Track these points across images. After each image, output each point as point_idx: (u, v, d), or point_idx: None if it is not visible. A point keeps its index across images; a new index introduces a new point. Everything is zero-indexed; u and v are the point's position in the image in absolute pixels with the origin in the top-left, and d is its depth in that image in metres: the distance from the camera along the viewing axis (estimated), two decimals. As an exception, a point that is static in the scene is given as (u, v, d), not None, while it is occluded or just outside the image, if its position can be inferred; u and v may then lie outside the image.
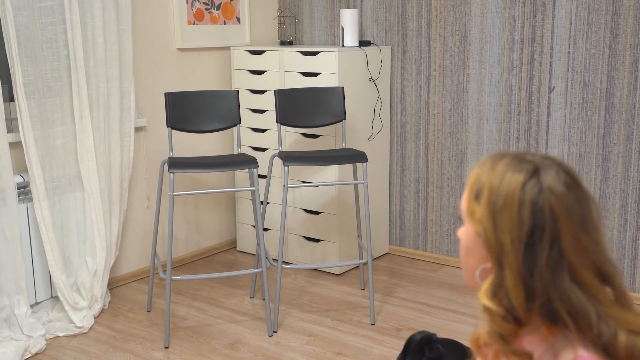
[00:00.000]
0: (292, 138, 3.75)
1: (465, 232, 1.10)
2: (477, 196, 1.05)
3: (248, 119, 3.90)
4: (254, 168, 3.02)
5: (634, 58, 3.15)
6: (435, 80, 3.74)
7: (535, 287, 1.00)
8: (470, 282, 1.12)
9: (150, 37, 3.61)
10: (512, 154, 1.07)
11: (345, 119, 3.42)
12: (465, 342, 2.95)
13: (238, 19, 4.04)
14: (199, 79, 3.90)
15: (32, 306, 3.11)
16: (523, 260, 1.00)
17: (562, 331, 1.02)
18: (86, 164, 3.16)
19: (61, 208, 3.14)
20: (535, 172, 1.02)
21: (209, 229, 4.09)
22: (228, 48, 4.02)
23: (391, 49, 3.86)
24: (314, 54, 3.59)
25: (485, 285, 1.04)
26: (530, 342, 1.06)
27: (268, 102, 3.80)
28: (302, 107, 3.38)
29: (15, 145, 3.01)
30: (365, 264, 3.62)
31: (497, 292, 1.03)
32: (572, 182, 1.03)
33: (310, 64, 3.61)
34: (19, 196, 3.03)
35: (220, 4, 3.92)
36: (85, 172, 3.16)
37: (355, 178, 3.41)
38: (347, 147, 3.50)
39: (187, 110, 3.22)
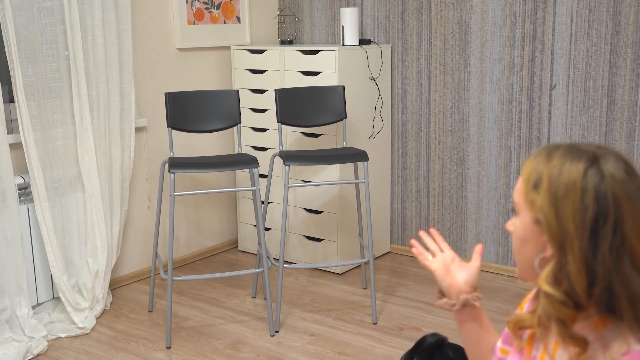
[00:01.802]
0: (293, 137, 3.74)
1: (520, 224, 1.11)
2: (535, 186, 1.07)
3: (248, 118, 3.89)
4: (254, 168, 3.02)
5: (635, 55, 3.14)
6: (436, 79, 3.73)
7: (597, 272, 1.02)
8: (525, 273, 1.14)
9: (150, 37, 3.60)
10: (566, 144, 1.09)
11: (345, 117, 3.41)
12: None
13: (238, 19, 4.03)
14: (199, 78, 3.89)
15: (33, 307, 3.10)
16: (587, 246, 1.02)
17: (614, 322, 1.04)
18: (87, 164, 3.16)
19: (62, 209, 3.14)
20: (594, 160, 1.04)
21: (210, 229, 4.08)
22: (228, 47, 4.01)
23: (392, 47, 3.85)
24: (314, 52, 3.58)
25: (546, 271, 1.06)
26: (581, 329, 1.08)
27: (268, 101, 3.79)
28: (302, 106, 3.38)
29: (16, 147, 3.00)
30: (366, 263, 3.61)
31: (558, 277, 1.04)
32: (630, 169, 1.05)
33: (310, 63, 3.60)
34: (19, 197, 3.02)
35: (220, 3, 3.91)
36: (86, 172, 3.16)
37: (356, 177, 3.40)
38: (348, 146, 3.49)
39: (187, 110, 3.22)
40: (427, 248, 1.47)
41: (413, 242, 1.44)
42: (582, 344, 1.04)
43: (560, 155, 1.06)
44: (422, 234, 1.46)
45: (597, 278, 1.02)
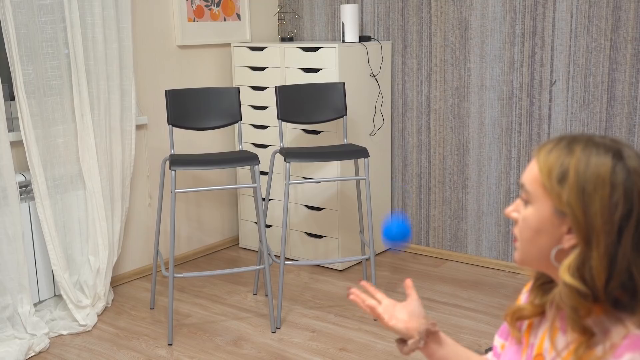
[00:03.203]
0: (294, 134, 3.74)
1: (535, 214, 1.10)
2: (561, 180, 1.06)
3: (249, 115, 3.89)
4: (255, 165, 3.02)
5: (635, 50, 3.14)
6: (437, 75, 3.73)
7: (619, 267, 1.03)
8: (534, 261, 1.14)
9: (150, 35, 3.60)
10: (583, 136, 1.09)
11: (346, 114, 3.41)
12: (468, 338, 2.96)
13: (238, 16, 4.03)
14: (200, 76, 3.89)
15: (35, 305, 3.11)
16: (612, 242, 1.03)
17: (615, 313, 1.05)
18: (87, 162, 3.16)
19: (63, 207, 3.14)
20: (620, 156, 1.05)
21: (211, 226, 4.09)
22: (228, 45, 4.02)
23: (392, 44, 3.85)
24: (315, 49, 3.58)
25: (567, 262, 1.06)
26: None
27: (269, 98, 3.79)
28: (303, 103, 3.38)
29: (17, 144, 3.01)
30: (367, 259, 3.62)
31: (581, 270, 1.05)
32: None
33: (310, 60, 3.60)
34: (20, 195, 3.03)
35: (220, 0, 3.91)
36: (87, 170, 3.16)
37: (357, 174, 3.40)
38: (348, 142, 3.50)
39: (188, 108, 3.22)
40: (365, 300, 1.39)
41: (353, 290, 1.40)
42: (589, 334, 1.06)
43: (584, 149, 1.06)
44: (355, 292, 1.40)
45: (616, 273, 1.03)
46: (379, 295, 1.39)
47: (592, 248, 1.04)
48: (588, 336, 1.05)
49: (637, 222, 1.03)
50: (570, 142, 1.08)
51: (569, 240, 1.07)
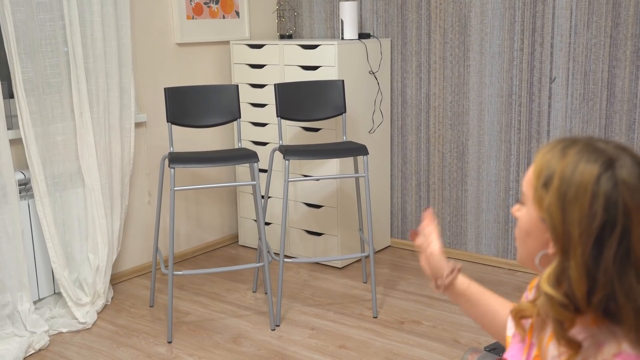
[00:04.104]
0: (293, 132, 3.74)
1: (527, 215, 1.09)
2: (546, 183, 1.03)
3: (248, 113, 3.89)
4: (254, 162, 3.02)
5: (635, 47, 3.14)
6: (436, 72, 3.73)
7: (599, 280, 0.98)
8: (526, 262, 1.14)
9: (149, 33, 3.60)
10: (584, 140, 1.04)
11: (345, 112, 3.41)
12: (468, 336, 2.96)
13: (237, 13, 4.03)
14: (199, 73, 3.89)
15: (35, 302, 3.11)
16: (590, 253, 0.98)
17: (608, 325, 1.02)
18: (87, 160, 3.16)
19: (62, 204, 3.14)
20: (610, 164, 0.99)
21: (210, 224, 4.09)
22: (227, 42, 4.01)
23: (391, 41, 3.85)
24: (314, 47, 3.58)
25: (547, 272, 1.04)
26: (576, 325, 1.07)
27: (268, 96, 3.79)
28: (302, 100, 3.38)
29: (16, 142, 3.01)
30: (367, 257, 3.62)
31: (559, 280, 1.02)
32: None
33: (310, 58, 3.60)
34: (20, 193, 3.03)
35: (219, -2, 3.91)
36: (86, 168, 3.16)
37: (356, 171, 3.40)
38: (347, 140, 3.50)
39: (187, 105, 3.22)
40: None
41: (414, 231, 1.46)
42: (575, 347, 1.02)
43: (576, 153, 1.01)
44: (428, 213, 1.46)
45: (597, 286, 0.99)
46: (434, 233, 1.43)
47: (570, 257, 1.00)
48: (575, 349, 1.02)
49: (620, 236, 0.97)
50: (567, 145, 1.04)
51: (552, 247, 1.04)
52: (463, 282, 1.39)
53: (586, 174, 0.99)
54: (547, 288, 1.03)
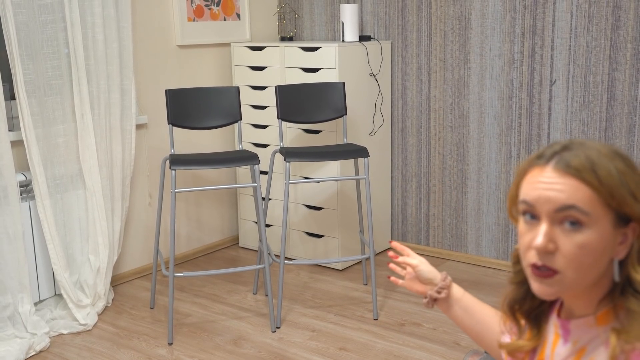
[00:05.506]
0: (293, 134, 3.75)
1: (595, 237, 1.02)
2: (635, 196, 1.03)
3: (249, 115, 3.90)
4: (255, 164, 3.02)
5: (635, 50, 3.14)
6: (436, 75, 3.73)
7: None
8: (585, 286, 1.07)
9: (150, 34, 3.61)
10: (606, 146, 1.07)
11: (346, 114, 3.42)
12: (467, 338, 2.95)
13: (238, 15, 4.04)
14: (200, 75, 3.90)
15: (35, 304, 3.11)
16: None
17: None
18: (88, 161, 3.17)
19: (63, 206, 3.14)
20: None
21: (211, 226, 4.09)
22: (228, 44, 4.02)
23: (392, 43, 3.85)
24: (315, 49, 3.58)
25: (633, 262, 1.05)
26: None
27: (269, 98, 3.80)
28: (303, 102, 3.38)
29: (17, 144, 3.01)
30: (367, 259, 3.62)
31: None
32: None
33: (310, 60, 3.60)
34: (21, 194, 3.03)
35: (220, 0, 3.91)
36: (87, 170, 3.17)
37: (357, 173, 3.41)
38: (348, 142, 3.50)
39: (188, 107, 3.22)
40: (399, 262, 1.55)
41: (393, 245, 1.55)
42: None
43: (627, 164, 1.05)
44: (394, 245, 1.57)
45: None
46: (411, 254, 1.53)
47: None
48: None
49: None
50: (614, 156, 1.05)
51: (623, 250, 1.04)
52: (458, 290, 1.44)
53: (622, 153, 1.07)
54: None
